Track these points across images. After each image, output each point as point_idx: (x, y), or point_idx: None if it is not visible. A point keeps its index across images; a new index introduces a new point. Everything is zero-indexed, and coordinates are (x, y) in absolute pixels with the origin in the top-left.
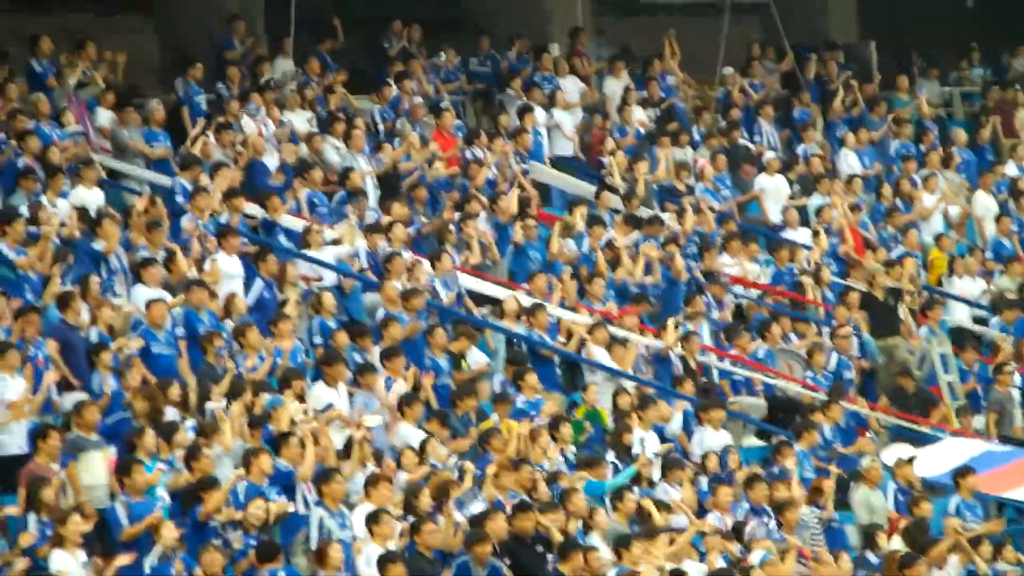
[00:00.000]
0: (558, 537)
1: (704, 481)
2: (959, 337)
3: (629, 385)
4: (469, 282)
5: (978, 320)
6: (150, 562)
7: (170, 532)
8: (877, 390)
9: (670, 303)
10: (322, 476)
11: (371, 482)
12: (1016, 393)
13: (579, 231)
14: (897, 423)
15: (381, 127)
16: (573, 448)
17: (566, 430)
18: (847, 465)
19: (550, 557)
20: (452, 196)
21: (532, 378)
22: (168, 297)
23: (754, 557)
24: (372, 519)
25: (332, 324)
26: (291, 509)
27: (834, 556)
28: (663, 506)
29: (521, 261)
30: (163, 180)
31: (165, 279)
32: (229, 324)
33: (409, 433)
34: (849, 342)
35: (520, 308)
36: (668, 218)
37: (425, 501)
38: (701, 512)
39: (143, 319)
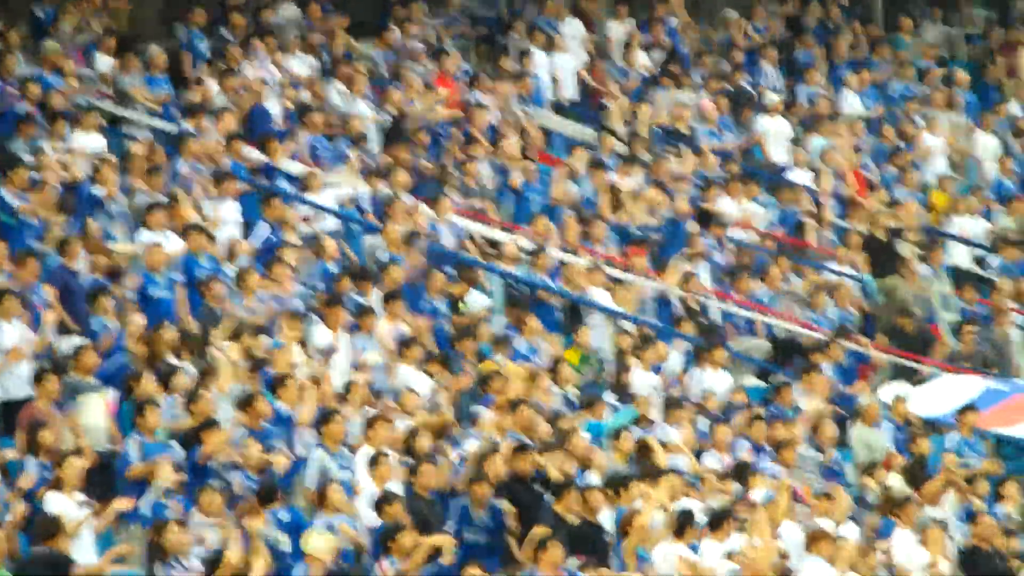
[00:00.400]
0: (556, 476)
1: (704, 422)
2: (959, 277)
3: (629, 326)
4: (470, 226)
5: (979, 260)
6: (147, 501)
7: (168, 473)
8: (876, 329)
9: (671, 245)
10: (322, 418)
11: (370, 424)
12: (1016, 334)
13: (580, 174)
14: (897, 362)
15: (384, 71)
16: (574, 389)
17: (566, 371)
18: (845, 404)
19: (547, 497)
20: (454, 139)
21: (534, 322)
22: (170, 240)
23: (756, 495)
24: (372, 461)
25: (333, 268)
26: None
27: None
28: (663, 446)
29: (522, 204)
30: (163, 126)
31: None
32: (230, 268)
33: (408, 375)
34: (848, 293)
35: (520, 251)
36: (670, 160)
37: (424, 443)
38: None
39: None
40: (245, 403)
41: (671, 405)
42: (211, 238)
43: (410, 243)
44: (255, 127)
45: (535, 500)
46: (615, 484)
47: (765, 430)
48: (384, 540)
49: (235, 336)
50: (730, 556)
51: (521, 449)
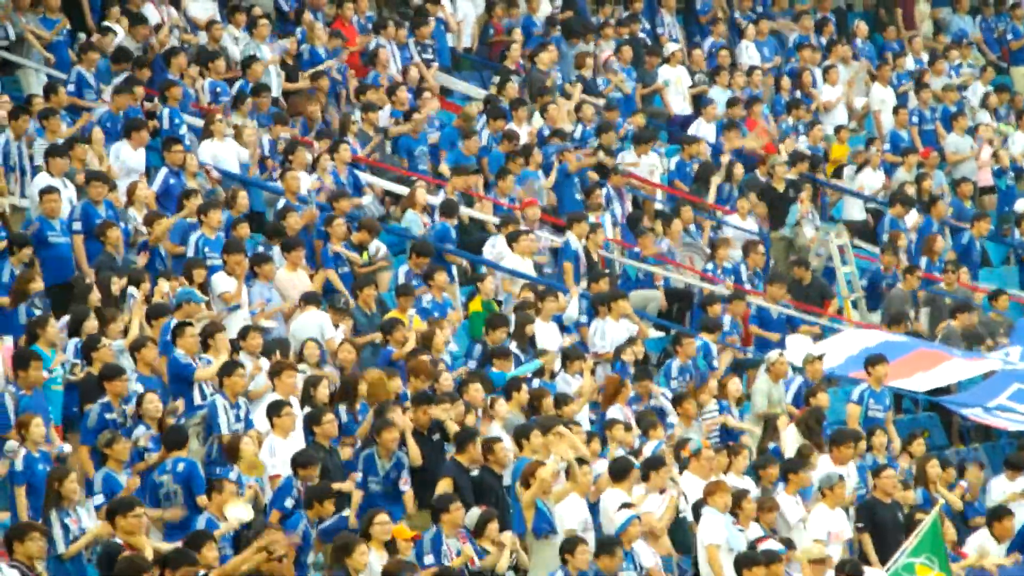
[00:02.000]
0: (453, 428)
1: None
2: (858, 229)
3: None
4: (370, 177)
5: (874, 213)
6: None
7: (39, 429)
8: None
9: (568, 196)
10: (225, 368)
11: (275, 372)
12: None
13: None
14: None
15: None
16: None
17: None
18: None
19: (448, 447)
20: (353, 86)
21: (441, 277)
22: (65, 187)
23: (648, 447)
24: (273, 410)
25: (234, 215)
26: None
27: (736, 450)
28: (563, 398)
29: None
30: (58, 74)
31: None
32: (134, 213)
33: (310, 323)
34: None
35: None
36: (569, 110)
37: (323, 393)
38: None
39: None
40: (136, 348)
41: (571, 356)
42: (112, 187)
43: (310, 192)
44: (158, 73)
45: (434, 450)
46: (517, 435)
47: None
48: (309, 499)
49: (137, 284)
50: (628, 506)
51: (419, 400)
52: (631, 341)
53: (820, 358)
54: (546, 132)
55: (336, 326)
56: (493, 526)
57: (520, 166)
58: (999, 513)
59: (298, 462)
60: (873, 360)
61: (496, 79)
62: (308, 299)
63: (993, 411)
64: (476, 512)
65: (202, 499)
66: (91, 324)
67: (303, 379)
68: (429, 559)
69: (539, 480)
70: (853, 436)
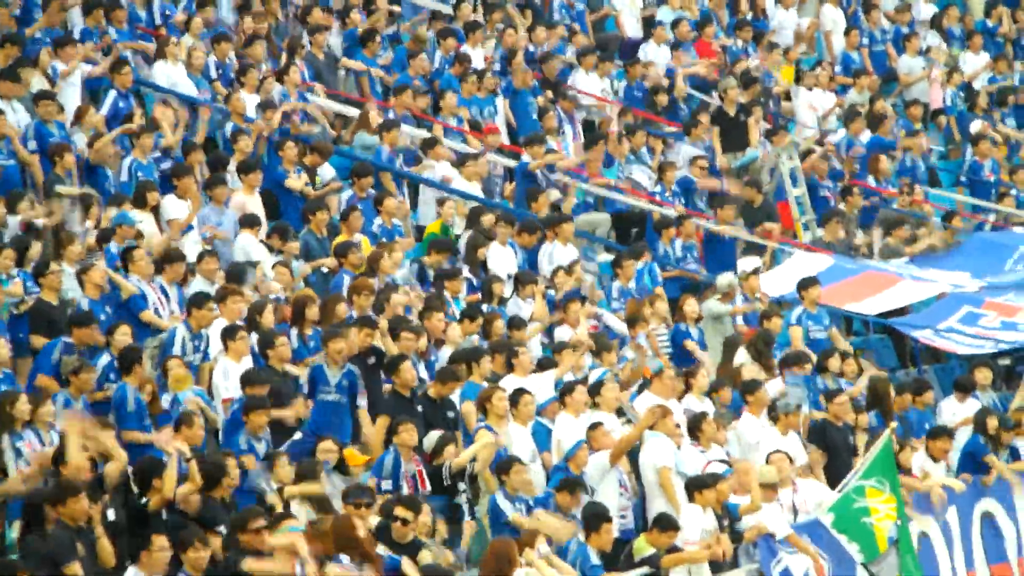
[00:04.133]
0: (393, 349)
1: (552, 295)
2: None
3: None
4: (319, 100)
5: (823, 134)
6: None
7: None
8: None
9: (526, 119)
10: (194, 299)
11: (220, 297)
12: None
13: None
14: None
15: None
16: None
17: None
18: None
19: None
20: (304, 6)
21: (390, 202)
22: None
23: (593, 374)
24: (227, 334)
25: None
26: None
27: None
28: (517, 321)
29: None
30: None
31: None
32: (80, 135)
33: (250, 246)
34: (705, 173)
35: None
36: (519, 32)
37: (268, 318)
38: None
39: None
40: (83, 271)
41: (522, 280)
42: (60, 108)
43: (263, 113)
44: None
45: (368, 373)
46: (467, 359)
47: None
48: (246, 412)
49: (86, 207)
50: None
51: (362, 323)
52: (569, 268)
53: (756, 273)
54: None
55: (275, 250)
56: (451, 448)
57: (472, 88)
58: (936, 433)
59: (246, 381)
60: (805, 283)
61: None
62: (245, 222)
63: (943, 333)
64: (435, 435)
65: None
66: (35, 250)
67: (248, 305)
68: (387, 484)
69: (495, 406)
70: (802, 358)
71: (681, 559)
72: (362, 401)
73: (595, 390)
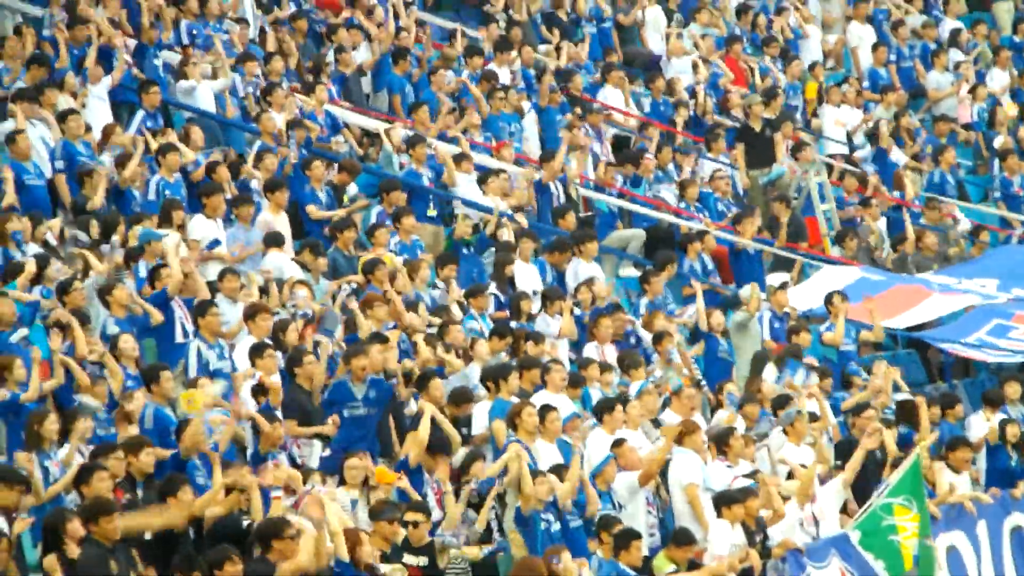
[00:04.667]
0: (456, 365)
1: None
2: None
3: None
4: (348, 116)
5: (852, 150)
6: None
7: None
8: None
9: (551, 136)
10: (198, 308)
11: (250, 315)
12: (882, 225)
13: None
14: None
15: None
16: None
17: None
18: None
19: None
20: (330, 24)
21: (408, 220)
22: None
23: (632, 388)
24: (255, 351)
25: (201, 158)
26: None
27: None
28: (540, 337)
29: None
30: (34, 11)
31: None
32: (107, 158)
33: (280, 263)
34: (725, 183)
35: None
36: (544, 50)
37: (292, 336)
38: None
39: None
40: (106, 292)
41: (550, 296)
42: (87, 128)
43: (290, 132)
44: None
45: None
46: (494, 376)
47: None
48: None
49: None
50: (613, 446)
51: (377, 339)
52: (588, 282)
53: (784, 287)
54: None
55: (305, 268)
56: (479, 465)
57: (499, 105)
58: (955, 444)
59: (256, 391)
60: (831, 296)
61: (483, 21)
62: (269, 240)
63: (972, 345)
64: (462, 452)
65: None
66: (53, 268)
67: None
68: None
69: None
70: (821, 372)
71: (702, 575)
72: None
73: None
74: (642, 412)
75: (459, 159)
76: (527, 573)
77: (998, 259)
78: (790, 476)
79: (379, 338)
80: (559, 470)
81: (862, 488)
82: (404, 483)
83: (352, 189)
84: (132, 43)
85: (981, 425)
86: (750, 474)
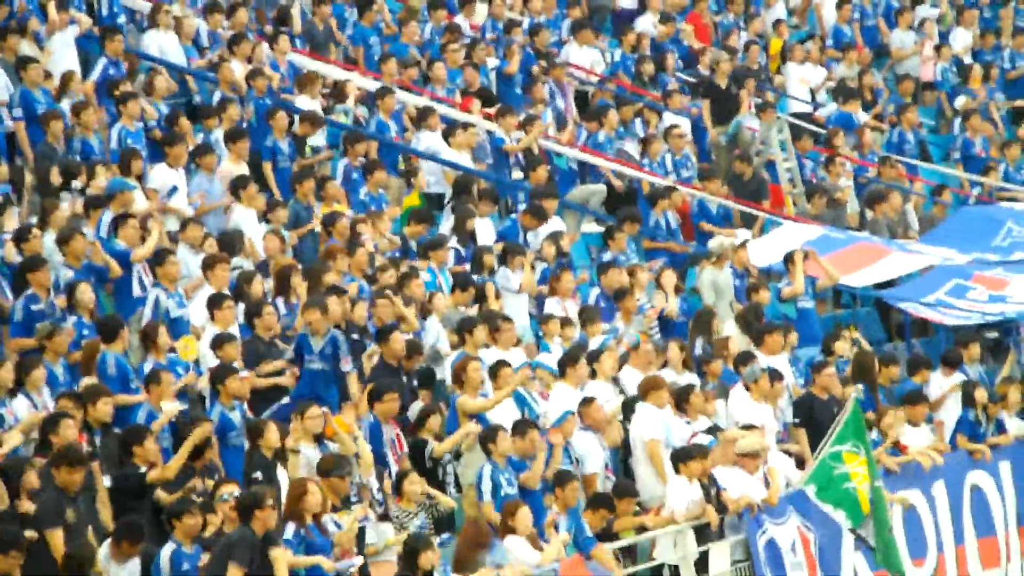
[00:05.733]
0: (411, 320)
1: (542, 267)
2: (797, 125)
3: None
4: (308, 63)
5: (814, 107)
6: None
7: None
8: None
9: (510, 91)
10: (157, 256)
11: (208, 265)
12: (846, 182)
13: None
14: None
15: None
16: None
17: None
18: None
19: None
20: None
21: (379, 175)
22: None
23: (593, 343)
24: (213, 303)
25: (163, 107)
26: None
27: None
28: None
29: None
30: None
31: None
32: (67, 103)
33: (243, 217)
34: (682, 141)
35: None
36: (510, 3)
37: (257, 288)
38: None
39: None
40: (63, 241)
41: (509, 251)
42: (47, 75)
43: (252, 82)
44: None
45: (354, 347)
46: (460, 328)
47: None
48: (213, 382)
49: (73, 175)
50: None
51: (336, 292)
52: (553, 237)
53: (744, 245)
54: (489, 24)
55: (266, 220)
56: (434, 420)
57: (459, 60)
58: (911, 398)
59: (214, 344)
60: (789, 255)
61: None
62: (234, 185)
63: (931, 305)
64: (417, 406)
65: (139, 395)
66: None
67: (237, 274)
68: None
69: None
70: (782, 328)
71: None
72: (347, 366)
73: (594, 357)
74: (612, 365)
75: (425, 114)
76: (475, 534)
77: (956, 225)
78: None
79: (336, 291)
80: (522, 426)
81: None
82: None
83: (319, 140)
84: None
85: (939, 384)
86: (710, 430)
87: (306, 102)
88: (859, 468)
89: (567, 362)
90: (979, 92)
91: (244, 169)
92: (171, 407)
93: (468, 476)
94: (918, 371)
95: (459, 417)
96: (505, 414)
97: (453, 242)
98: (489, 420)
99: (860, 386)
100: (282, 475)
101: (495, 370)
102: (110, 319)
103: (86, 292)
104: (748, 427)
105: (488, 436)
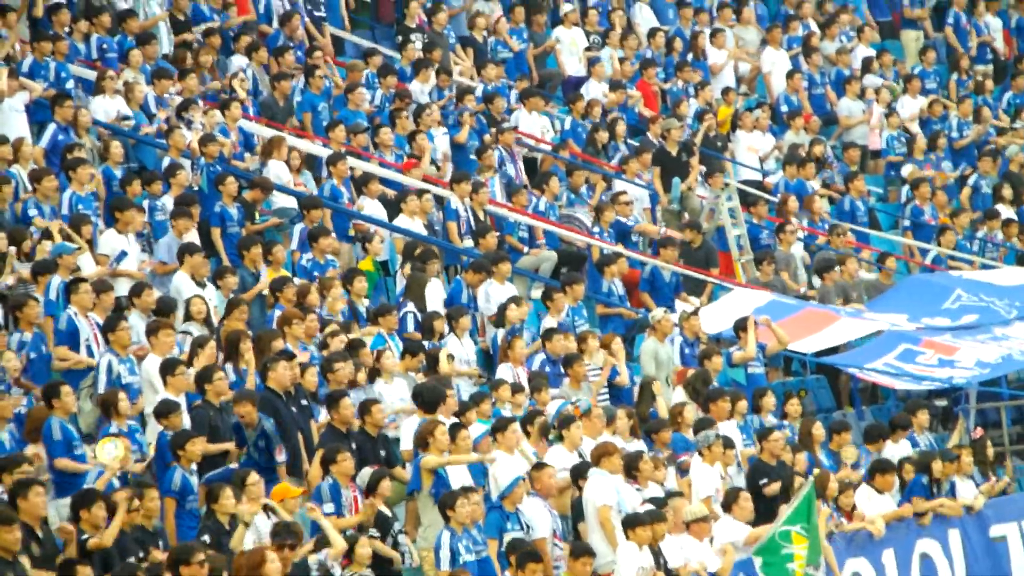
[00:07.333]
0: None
1: (498, 335)
2: (749, 193)
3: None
4: (263, 131)
5: (763, 175)
6: None
7: None
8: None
9: (462, 158)
10: (108, 323)
11: (152, 331)
12: (798, 250)
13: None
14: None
15: None
16: (366, 301)
17: (359, 283)
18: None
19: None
20: (244, 42)
21: (325, 241)
22: None
23: (551, 407)
24: (166, 369)
25: (118, 172)
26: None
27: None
28: (451, 358)
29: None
30: None
31: None
32: (19, 170)
33: (183, 283)
34: (629, 208)
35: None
36: (457, 71)
37: (210, 353)
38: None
39: None
40: (17, 307)
41: (453, 315)
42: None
43: (205, 147)
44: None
45: (301, 415)
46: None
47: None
48: (173, 448)
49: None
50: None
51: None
52: (515, 301)
53: (696, 313)
54: (435, 92)
55: (202, 284)
56: (386, 484)
57: (408, 126)
58: (880, 466)
59: (159, 412)
60: (740, 321)
61: (398, 39)
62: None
63: (880, 369)
64: (368, 471)
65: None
66: None
67: (190, 340)
68: (329, 507)
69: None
70: (729, 394)
71: None
72: (280, 456)
73: (564, 424)
74: (580, 435)
75: (366, 179)
76: None
77: (905, 292)
78: None
79: (286, 355)
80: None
81: (769, 511)
82: (316, 514)
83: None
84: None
85: (897, 449)
86: (657, 499)
87: (278, 166)
88: (802, 551)
89: (498, 428)
90: (928, 160)
91: (193, 234)
92: (107, 451)
93: (428, 539)
94: (876, 441)
95: (422, 475)
96: (460, 479)
97: (408, 307)
98: (450, 486)
99: (816, 472)
100: (250, 540)
101: (453, 433)
102: (52, 385)
103: (11, 360)
104: (676, 494)
105: (446, 502)
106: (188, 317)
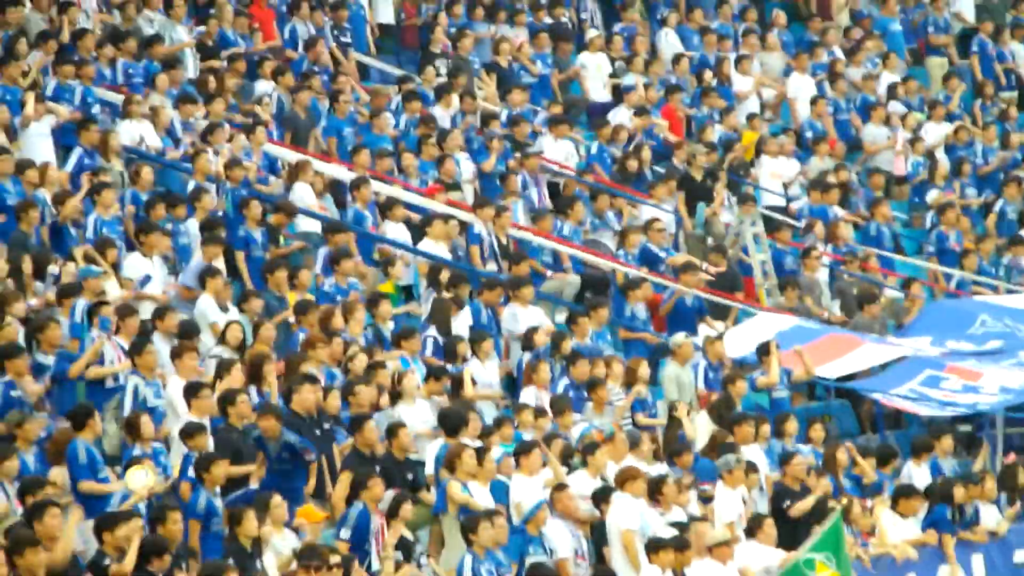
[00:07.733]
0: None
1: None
2: (773, 218)
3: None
4: (285, 155)
5: (788, 201)
6: None
7: None
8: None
9: (487, 182)
10: (134, 346)
11: (176, 354)
12: (823, 276)
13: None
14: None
15: None
16: (391, 324)
17: (384, 307)
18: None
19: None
20: (269, 67)
21: (347, 265)
22: None
23: (575, 431)
24: (190, 391)
25: (144, 195)
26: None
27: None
28: (474, 382)
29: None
30: None
31: None
32: (45, 192)
33: (208, 307)
34: (664, 235)
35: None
36: (482, 96)
37: (236, 377)
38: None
39: None
40: (37, 330)
41: (475, 339)
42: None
43: (230, 171)
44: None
45: (324, 437)
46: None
47: (581, 368)
48: (198, 470)
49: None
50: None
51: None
52: (542, 326)
53: (720, 338)
54: (459, 117)
55: (225, 308)
56: (407, 507)
57: (433, 152)
58: (904, 491)
59: (185, 433)
60: (763, 348)
61: (423, 64)
62: (203, 275)
63: (904, 395)
64: (390, 495)
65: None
66: None
67: (215, 363)
68: (345, 533)
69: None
70: (753, 418)
71: None
72: (310, 456)
73: (588, 450)
74: (612, 457)
75: (390, 204)
76: None
77: (930, 317)
78: None
79: (309, 379)
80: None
81: (793, 536)
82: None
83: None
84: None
85: (910, 474)
86: (679, 523)
87: (303, 188)
88: None
89: (520, 452)
90: (950, 187)
91: (220, 261)
92: (136, 479)
93: (450, 562)
94: (888, 462)
95: (447, 501)
96: (484, 502)
97: (431, 331)
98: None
99: (844, 500)
100: (271, 564)
101: (479, 456)
102: (81, 407)
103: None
104: (699, 518)
105: (469, 526)
106: (222, 341)
